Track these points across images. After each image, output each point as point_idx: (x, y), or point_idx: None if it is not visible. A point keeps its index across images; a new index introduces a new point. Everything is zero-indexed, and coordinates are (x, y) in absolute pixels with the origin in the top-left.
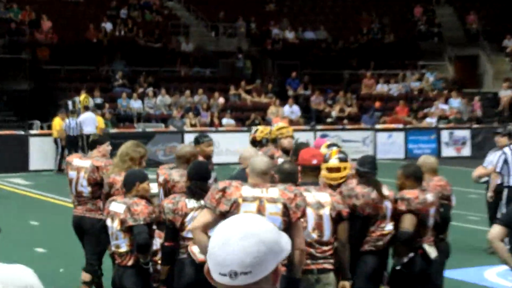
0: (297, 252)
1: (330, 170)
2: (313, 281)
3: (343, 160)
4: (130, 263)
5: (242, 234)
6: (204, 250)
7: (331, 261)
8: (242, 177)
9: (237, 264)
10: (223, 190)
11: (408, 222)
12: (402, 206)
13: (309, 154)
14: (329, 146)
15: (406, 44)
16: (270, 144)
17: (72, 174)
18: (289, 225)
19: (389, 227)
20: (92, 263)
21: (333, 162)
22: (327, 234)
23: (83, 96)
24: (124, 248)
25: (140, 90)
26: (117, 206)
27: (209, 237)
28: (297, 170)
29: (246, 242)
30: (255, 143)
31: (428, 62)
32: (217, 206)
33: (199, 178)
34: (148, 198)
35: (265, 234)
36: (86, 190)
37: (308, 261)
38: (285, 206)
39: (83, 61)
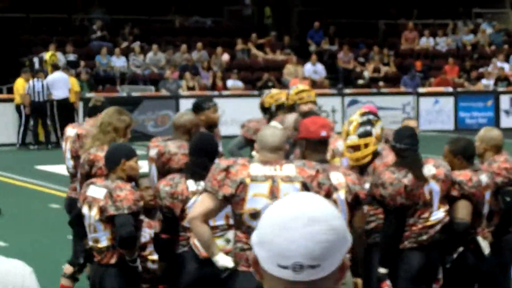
0: None
1: (350, 148)
2: None
3: (362, 135)
4: (112, 260)
5: (306, 219)
6: (205, 244)
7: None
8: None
9: (304, 255)
10: (227, 170)
11: (464, 211)
12: (453, 191)
13: (316, 125)
14: (364, 114)
15: None
16: (286, 111)
17: (63, 146)
18: None
19: (437, 215)
20: (78, 256)
21: (352, 139)
22: None
23: (50, 52)
24: (104, 243)
25: (124, 44)
26: (96, 190)
27: (210, 227)
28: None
29: (313, 229)
30: (264, 110)
31: (485, 9)
32: (220, 189)
33: (203, 153)
34: (136, 179)
35: (333, 219)
36: (70, 164)
37: None
38: (305, 186)
39: (52, 8)
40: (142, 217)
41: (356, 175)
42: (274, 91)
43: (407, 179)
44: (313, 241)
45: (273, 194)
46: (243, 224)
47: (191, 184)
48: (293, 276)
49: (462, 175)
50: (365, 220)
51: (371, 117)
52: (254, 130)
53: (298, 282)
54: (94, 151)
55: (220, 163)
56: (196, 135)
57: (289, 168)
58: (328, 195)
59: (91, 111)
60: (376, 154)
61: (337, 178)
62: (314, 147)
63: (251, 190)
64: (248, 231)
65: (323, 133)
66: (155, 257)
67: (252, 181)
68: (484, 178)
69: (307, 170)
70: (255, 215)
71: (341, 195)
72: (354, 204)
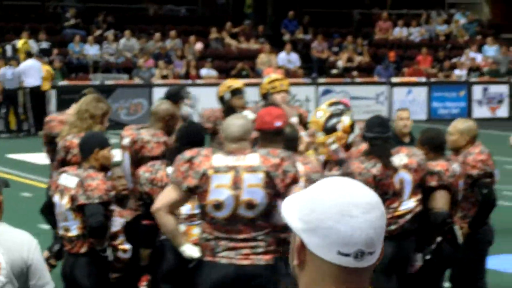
0: None
1: (319, 144)
2: None
3: (329, 131)
4: (82, 250)
5: (365, 205)
6: (170, 235)
7: None
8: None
9: (366, 242)
10: (190, 161)
11: (443, 201)
12: (432, 181)
13: (271, 116)
14: (333, 105)
15: None
16: (261, 101)
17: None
18: (283, 195)
19: (407, 205)
20: (54, 243)
21: (319, 136)
22: None
23: (23, 40)
24: (74, 232)
25: (98, 32)
26: (67, 179)
27: (188, 215)
28: (298, 136)
29: (372, 215)
30: (220, 99)
31: (458, 0)
32: (184, 181)
33: (189, 143)
34: (109, 169)
35: (381, 205)
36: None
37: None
38: (268, 175)
39: None
40: (113, 206)
41: (316, 163)
42: (228, 81)
43: (376, 168)
44: (372, 228)
45: (236, 185)
46: (207, 215)
47: (171, 171)
48: (353, 263)
49: (439, 165)
50: None
51: (340, 107)
52: (207, 118)
53: (357, 269)
54: (70, 138)
55: (184, 154)
56: (185, 124)
57: (253, 158)
58: (294, 182)
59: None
60: (349, 146)
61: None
62: (269, 138)
63: (214, 181)
64: (213, 221)
65: (278, 124)
66: (126, 246)
67: (215, 172)
68: (456, 167)
69: (271, 159)
70: (218, 206)
71: (301, 184)
72: None
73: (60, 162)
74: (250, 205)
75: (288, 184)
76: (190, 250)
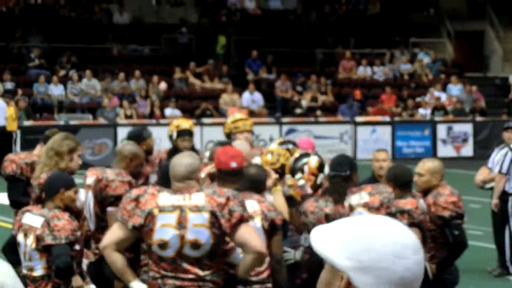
0: (255, 256)
1: (289, 187)
2: None
3: (293, 174)
4: None
5: (414, 247)
6: (119, 272)
7: (269, 285)
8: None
9: (415, 282)
10: (136, 199)
11: None
12: (403, 220)
13: (226, 156)
14: (283, 144)
15: (395, 16)
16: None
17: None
18: (230, 235)
19: None
20: None
21: (288, 178)
22: None
23: None
24: (39, 272)
25: (62, 72)
26: (32, 218)
27: (124, 255)
28: (266, 176)
29: (419, 257)
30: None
31: (422, 39)
32: (129, 219)
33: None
34: (73, 208)
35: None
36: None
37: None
38: (214, 215)
39: None
40: (78, 247)
41: (270, 202)
42: (176, 121)
43: (329, 208)
44: (420, 269)
45: (181, 225)
46: (153, 254)
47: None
48: None
49: (409, 204)
50: (281, 246)
51: (289, 146)
52: (153, 159)
53: None
54: (44, 176)
55: (132, 192)
56: (167, 163)
57: (198, 197)
58: (241, 221)
59: (45, 140)
60: (317, 186)
61: (252, 206)
62: (225, 177)
63: (159, 221)
64: (159, 260)
65: (233, 164)
66: (92, 287)
67: (160, 211)
68: (423, 203)
69: (216, 199)
70: (164, 245)
71: (257, 222)
72: (271, 230)
73: (35, 200)
74: (195, 245)
75: (234, 224)
76: (139, 287)
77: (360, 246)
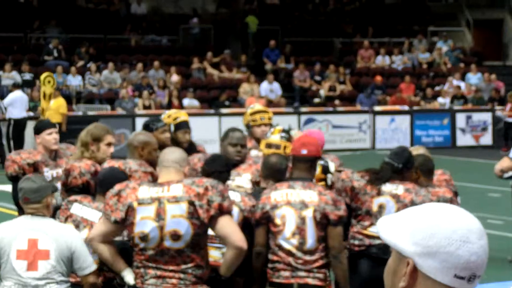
0: (236, 252)
1: (269, 146)
2: None
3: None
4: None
5: (479, 232)
6: (109, 262)
7: (319, 275)
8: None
9: (480, 267)
10: (118, 194)
11: None
12: None
13: (298, 142)
14: (283, 132)
15: (414, 5)
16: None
17: None
18: (211, 226)
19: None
20: None
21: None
22: (310, 242)
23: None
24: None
25: (80, 63)
26: (86, 211)
27: (112, 247)
28: (286, 165)
29: (484, 242)
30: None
31: (440, 28)
32: (112, 214)
33: (216, 171)
34: None
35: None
36: None
37: (286, 273)
38: (192, 204)
39: (7, 27)
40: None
41: (333, 196)
42: (171, 111)
43: (358, 182)
44: (484, 253)
45: (160, 216)
46: (136, 246)
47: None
48: (465, 286)
49: (447, 192)
50: (341, 241)
51: (283, 134)
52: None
53: None
54: (71, 162)
55: (114, 187)
56: (212, 156)
57: (177, 188)
58: (221, 212)
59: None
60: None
61: (310, 196)
62: (296, 164)
63: (139, 214)
64: (141, 253)
65: (304, 151)
66: None
67: (139, 204)
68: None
69: (194, 188)
70: (144, 238)
71: (309, 213)
72: (324, 223)
73: (62, 185)
74: (174, 236)
75: (213, 215)
76: (128, 277)
77: (426, 232)
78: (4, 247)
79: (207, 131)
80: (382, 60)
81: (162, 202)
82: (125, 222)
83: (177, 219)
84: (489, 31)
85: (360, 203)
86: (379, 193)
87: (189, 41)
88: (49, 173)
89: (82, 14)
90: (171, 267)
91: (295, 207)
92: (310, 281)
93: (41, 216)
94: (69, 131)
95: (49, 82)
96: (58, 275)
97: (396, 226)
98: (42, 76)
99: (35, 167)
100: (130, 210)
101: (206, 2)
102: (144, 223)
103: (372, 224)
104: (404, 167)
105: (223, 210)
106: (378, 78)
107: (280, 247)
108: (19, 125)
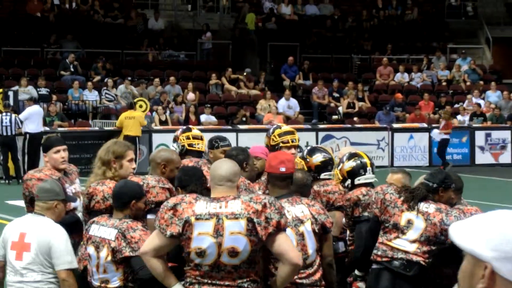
0: (292, 268)
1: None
2: None
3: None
4: None
5: None
6: (160, 277)
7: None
8: None
9: None
10: (174, 208)
11: None
12: None
13: (277, 160)
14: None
15: (433, 22)
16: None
17: None
18: (267, 243)
19: (404, 245)
20: None
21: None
22: (311, 254)
23: None
24: (116, 283)
25: (97, 78)
26: (103, 230)
27: (164, 262)
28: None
29: None
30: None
31: (460, 45)
32: (167, 228)
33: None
34: (141, 218)
35: None
36: None
37: None
38: (251, 222)
39: (24, 41)
40: None
41: (320, 206)
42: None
43: (390, 195)
44: None
45: (218, 233)
46: (191, 262)
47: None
48: None
49: (473, 210)
50: (332, 248)
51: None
52: None
53: None
54: (94, 185)
55: (169, 201)
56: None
57: (235, 204)
58: (278, 230)
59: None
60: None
61: (302, 210)
62: (275, 182)
63: (196, 229)
64: (196, 268)
65: (282, 169)
66: None
67: (196, 219)
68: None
69: (253, 205)
70: (201, 253)
71: (307, 226)
72: (322, 233)
73: (85, 209)
74: (232, 253)
75: (270, 232)
76: None
77: (502, 238)
78: (7, 239)
79: None
80: (400, 77)
81: (220, 218)
82: (181, 237)
83: (236, 236)
84: (509, 48)
85: (388, 215)
86: (409, 208)
87: (204, 56)
88: (69, 189)
89: (99, 29)
90: (227, 282)
91: (290, 225)
92: None
93: (41, 215)
94: (85, 146)
95: (140, 106)
96: (37, 266)
97: (470, 232)
98: (136, 99)
99: (61, 183)
100: (187, 225)
101: (224, 17)
102: (202, 238)
103: (397, 237)
104: (440, 188)
105: (280, 228)
106: (399, 95)
107: None
108: (35, 139)
